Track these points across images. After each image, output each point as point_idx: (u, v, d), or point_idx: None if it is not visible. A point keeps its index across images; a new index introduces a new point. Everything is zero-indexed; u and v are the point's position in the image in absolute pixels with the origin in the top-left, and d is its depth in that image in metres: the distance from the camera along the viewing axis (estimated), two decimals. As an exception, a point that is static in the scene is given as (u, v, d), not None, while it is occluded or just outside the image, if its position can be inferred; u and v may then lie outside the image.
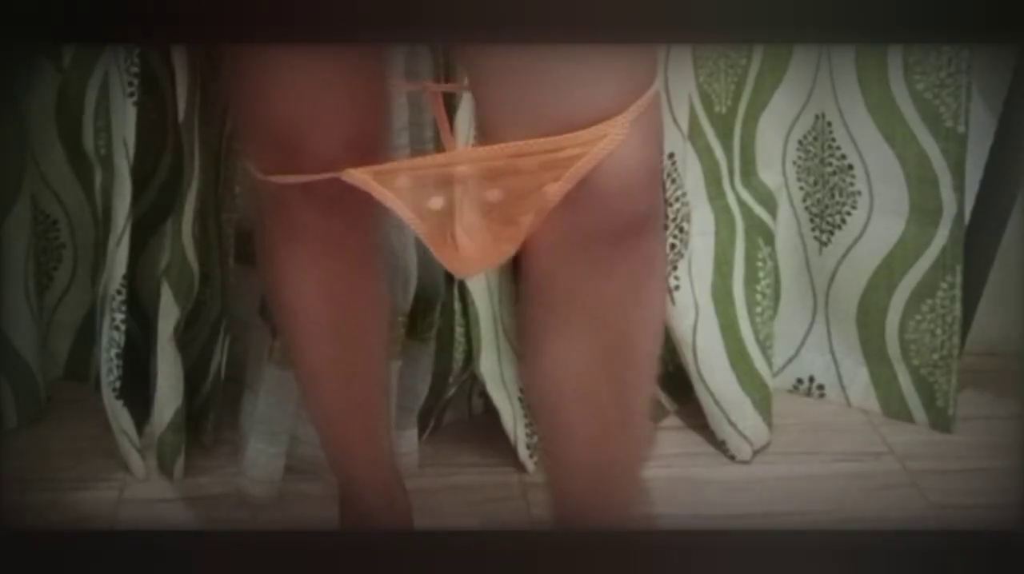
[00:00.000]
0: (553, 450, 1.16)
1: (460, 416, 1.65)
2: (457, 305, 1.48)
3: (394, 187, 1.04)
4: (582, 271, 1.01)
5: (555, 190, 0.97)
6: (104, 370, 1.47)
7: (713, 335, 1.58)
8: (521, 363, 1.16)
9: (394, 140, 1.33)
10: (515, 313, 1.14)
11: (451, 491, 1.51)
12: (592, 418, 1.10)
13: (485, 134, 1.03)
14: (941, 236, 1.61)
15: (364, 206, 1.10)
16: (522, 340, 1.12)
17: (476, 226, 1.03)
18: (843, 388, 1.74)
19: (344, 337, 1.21)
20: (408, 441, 1.51)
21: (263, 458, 1.46)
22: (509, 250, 1.02)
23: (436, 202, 1.03)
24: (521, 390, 1.49)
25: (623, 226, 1.00)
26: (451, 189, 1.03)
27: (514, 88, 0.98)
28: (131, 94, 1.38)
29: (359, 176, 1.05)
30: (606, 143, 0.96)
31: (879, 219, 1.64)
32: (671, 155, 1.49)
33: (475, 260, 1.05)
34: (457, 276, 1.05)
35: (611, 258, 1.01)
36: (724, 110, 1.59)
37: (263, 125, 1.09)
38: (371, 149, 1.09)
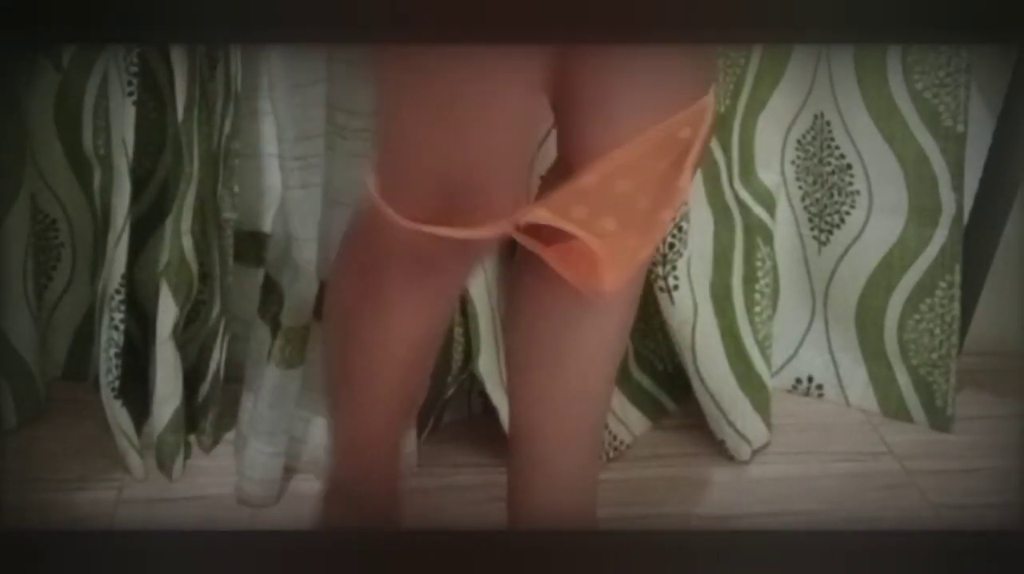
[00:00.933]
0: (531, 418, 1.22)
1: (459, 416, 1.65)
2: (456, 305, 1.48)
3: (572, 218, 1.02)
4: None
5: (684, 182, 1.02)
6: (103, 370, 1.46)
7: (712, 335, 1.58)
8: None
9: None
10: (517, 288, 1.18)
11: (451, 491, 1.51)
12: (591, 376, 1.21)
13: (595, 143, 1.02)
14: (940, 236, 1.61)
15: (482, 249, 1.07)
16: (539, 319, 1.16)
17: (635, 238, 1.05)
18: (842, 388, 1.74)
19: (414, 370, 1.20)
20: (407, 441, 1.51)
21: (262, 458, 1.46)
22: (651, 252, 1.10)
23: (608, 223, 1.03)
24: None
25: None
26: (617, 207, 1.03)
27: (629, 85, 1.01)
28: (130, 94, 1.38)
29: (550, 217, 1.02)
30: (708, 118, 1.02)
31: (878, 219, 1.64)
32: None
33: (624, 269, 1.06)
34: (604, 292, 1.04)
35: None
36: (723, 109, 1.59)
37: (430, 174, 0.98)
38: (525, 188, 1.05)
